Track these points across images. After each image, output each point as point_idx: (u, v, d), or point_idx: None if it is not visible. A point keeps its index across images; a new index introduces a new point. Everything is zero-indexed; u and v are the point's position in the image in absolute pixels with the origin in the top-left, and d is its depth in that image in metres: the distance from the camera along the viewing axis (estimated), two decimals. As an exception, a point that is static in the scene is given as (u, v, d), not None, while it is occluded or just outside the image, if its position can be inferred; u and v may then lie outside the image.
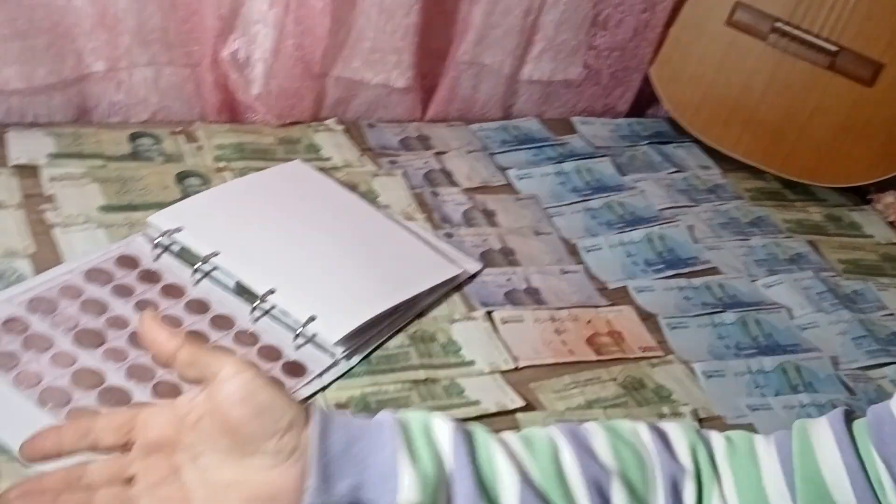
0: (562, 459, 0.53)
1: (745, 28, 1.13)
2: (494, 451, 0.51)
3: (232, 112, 1.04)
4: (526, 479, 0.50)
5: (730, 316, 0.93)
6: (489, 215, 1.00)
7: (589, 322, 0.89)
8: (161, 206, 0.85)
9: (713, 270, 1.01)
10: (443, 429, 0.51)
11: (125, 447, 0.50)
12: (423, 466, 0.49)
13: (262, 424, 0.48)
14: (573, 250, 0.99)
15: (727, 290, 0.98)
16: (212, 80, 1.00)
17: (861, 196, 1.20)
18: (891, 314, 0.99)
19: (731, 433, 0.60)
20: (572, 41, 1.16)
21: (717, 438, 0.59)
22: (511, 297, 0.90)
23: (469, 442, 0.51)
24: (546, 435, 0.54)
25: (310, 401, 0.53)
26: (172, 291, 0.79)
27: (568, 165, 1.12)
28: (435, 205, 0.99)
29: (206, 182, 0.93)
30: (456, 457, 0.50)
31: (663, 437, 0.57)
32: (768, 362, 0.88)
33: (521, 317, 0.88)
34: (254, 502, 0.48)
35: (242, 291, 0.79)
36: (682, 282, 0.97)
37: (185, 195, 0.89)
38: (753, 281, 1.00)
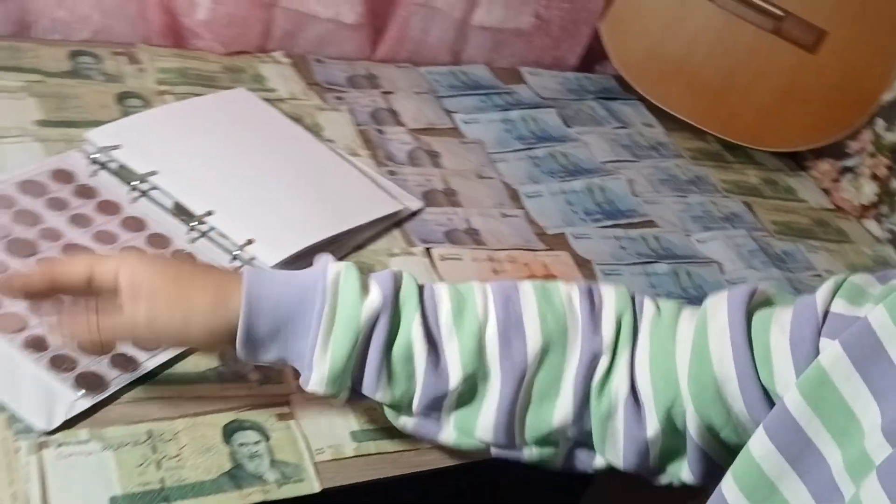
0: (486, 337, 0.59)
1: (696, -12, 1.15)
2: (414, 327, 0.58)
3: (176, 36, 1.02)
4: (434, 357, 0.59)
5: (662, 266, 0.95)
6: (433, 156, 1.01)
7: (526, 265, 0.91)
8: (100, 124, 0.84)
9: (650, 223, 1.02)
10: (373, 303, 0.58)
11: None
12: (335, 359, 0.57)
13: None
14: (515, 195, 1.00)
15: (662, 242, 0.99)
16: (156, 2, 0.98)
17: (798, 162, 1.23)
18: (818, 275, 1.02)
19: (665, 302, 0.62)
20: (523, -11, 1.16)
21: (648, 307, 0.62)
22: (451, 237, 0.90)
23: (394, 316, 0.59)
24: (479, 306, 0.60)
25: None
26: (108, 208, 0.77)
27: (514, 114, 1.12)
28: (379, 142, 0.99)
29: (146, 104, 0.91)
30: (375, 336, 0.58)
31: (593, 307, 0.61)
32: (697, 312, 0.90)
33: (460, 255, 0.89)
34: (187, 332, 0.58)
35: (180, 212, 0.78)
36: (619, 232, 0.99)
37: (125, 115, 0.88)
38: (688, 235, 1.02)
